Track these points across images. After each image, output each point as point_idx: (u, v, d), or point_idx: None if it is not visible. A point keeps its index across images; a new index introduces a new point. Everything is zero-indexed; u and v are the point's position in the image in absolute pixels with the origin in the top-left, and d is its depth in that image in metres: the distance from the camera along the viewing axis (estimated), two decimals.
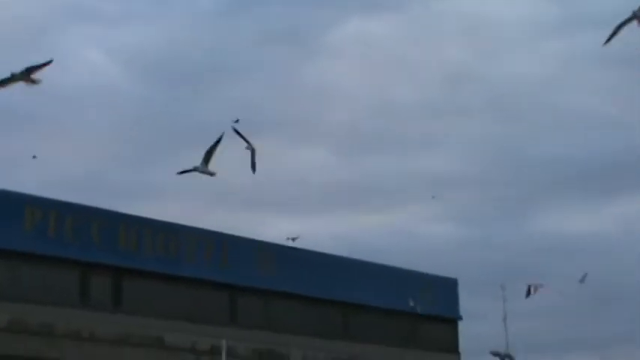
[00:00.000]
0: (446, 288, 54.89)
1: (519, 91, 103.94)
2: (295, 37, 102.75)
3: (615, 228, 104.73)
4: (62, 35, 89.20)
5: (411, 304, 50.30)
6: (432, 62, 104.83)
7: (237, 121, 35.01)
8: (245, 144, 35.60)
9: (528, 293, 48.44)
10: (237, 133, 35.03)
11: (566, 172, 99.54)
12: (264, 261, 46.28)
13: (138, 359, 38.20)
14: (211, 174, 35.78)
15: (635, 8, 24.05)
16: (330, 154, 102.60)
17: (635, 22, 24.19)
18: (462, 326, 55.87)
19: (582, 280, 49.33)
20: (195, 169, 35.74)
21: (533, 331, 79.64)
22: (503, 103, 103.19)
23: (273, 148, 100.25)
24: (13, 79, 26.35)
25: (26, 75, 26.50)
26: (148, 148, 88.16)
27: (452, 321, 55.23)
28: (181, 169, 35.75)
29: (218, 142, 34.78)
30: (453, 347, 54.70)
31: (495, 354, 56.76)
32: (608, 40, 24.72)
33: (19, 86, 27.29)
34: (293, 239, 45.02)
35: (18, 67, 27.03)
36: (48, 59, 27.36)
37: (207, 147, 35.02)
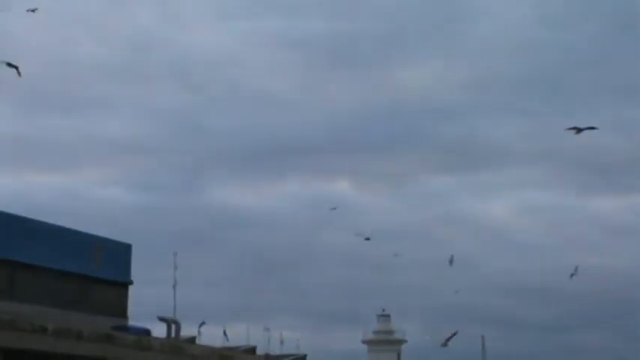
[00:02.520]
0: (118, 252, 54.58)
1: (202, 63, 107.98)
2: None
3: (282, 205, 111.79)
4: None
5: None
6: (121, 25, 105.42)
7: None
8: None
9: None
10: None
11: (239, 147, 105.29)
12: None
13: None
14: None
15: None
16: (7, 107, 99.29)
17: None
18: (132, 291, 55.94)
19: None
20: None
21: (202, 298, 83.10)
22: (186, 73, 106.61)
23: None
24: None
25: None
26: None
27: (123, 285, 55.14)
28: None
29: None
30: (121, 311, 54.56)
31: (162, 319, 57.76)
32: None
33: None
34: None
35: None
36: None
37: None
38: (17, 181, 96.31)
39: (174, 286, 60.48)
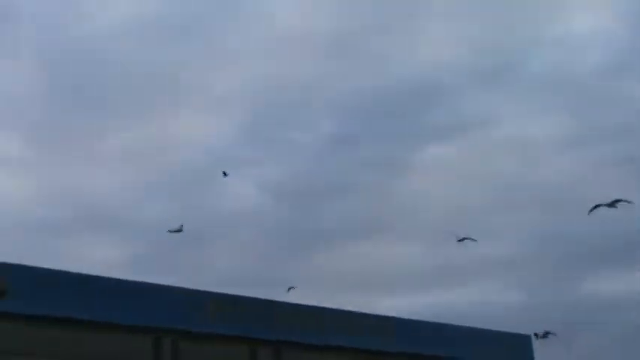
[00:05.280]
0: (520, 344, 52.33)
1: (555, 189, 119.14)
2: (388, 162, 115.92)
3: None
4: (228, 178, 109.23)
5: None
6: (487, 174, 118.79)
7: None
8: None
9: None
10: None
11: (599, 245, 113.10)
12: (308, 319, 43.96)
13: None
14: None
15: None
16: (420, 247, 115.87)
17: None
18: None
19: None
20: None
21: None
22: (545, 199, 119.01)
23: (373, 247, 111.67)
24: None
25: None
26: (281, 252, 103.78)
27: None
28: None
29: None
30: None
31: None
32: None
33: None
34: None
35: None
36: None
37: None
38: (442, 297, 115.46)
39: None
